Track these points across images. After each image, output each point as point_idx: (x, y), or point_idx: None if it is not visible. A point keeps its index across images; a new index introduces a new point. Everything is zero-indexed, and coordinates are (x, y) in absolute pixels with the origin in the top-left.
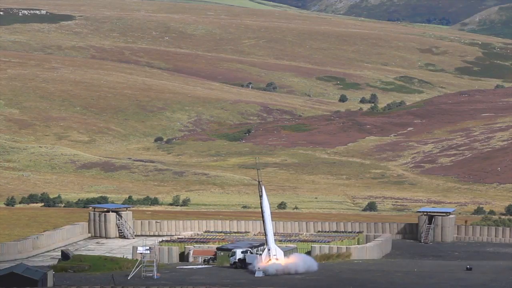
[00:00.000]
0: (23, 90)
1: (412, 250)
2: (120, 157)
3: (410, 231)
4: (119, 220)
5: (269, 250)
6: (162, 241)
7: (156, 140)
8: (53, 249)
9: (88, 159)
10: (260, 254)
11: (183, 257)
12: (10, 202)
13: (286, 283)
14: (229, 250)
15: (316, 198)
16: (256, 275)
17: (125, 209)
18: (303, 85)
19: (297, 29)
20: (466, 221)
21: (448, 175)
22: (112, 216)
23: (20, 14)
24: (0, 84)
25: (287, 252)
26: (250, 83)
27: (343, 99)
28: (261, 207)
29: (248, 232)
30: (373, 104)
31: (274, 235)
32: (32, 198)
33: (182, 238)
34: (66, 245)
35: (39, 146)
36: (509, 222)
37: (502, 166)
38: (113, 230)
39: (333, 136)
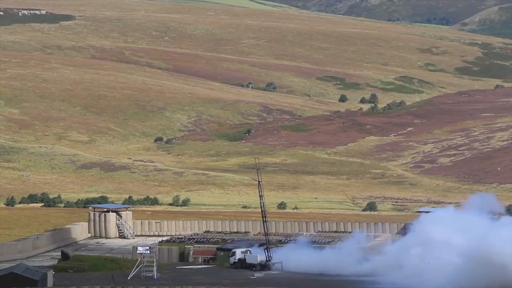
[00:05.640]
0: (23, 90)
1: None
2: (120, 157)
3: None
4: (119, 220)
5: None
6: (162, 241)
7: (156, 140)
8: (53, 249)
9: (88, 159)
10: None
11: (183, 257)
12: (10, 202)
13: (286, 283)
14: (229, 250)
15: (316, 198)
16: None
17: (125, 209)
18: (303, 85)
19: (297, 29)
20: None
21: (448, 175)
22: (112, 216)
23: (20, 14)
24: (0, 84)
25: None
26: (250, 83)
27: (343, 99)
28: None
29: (248, 232)
30: (373, 104)
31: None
32: (32, 198)
33: (181, 238)
34: (66, 245)
35: (39, 146)
36: None
37: (502, 166)
38: (113, 230)
39: (333, 136)
